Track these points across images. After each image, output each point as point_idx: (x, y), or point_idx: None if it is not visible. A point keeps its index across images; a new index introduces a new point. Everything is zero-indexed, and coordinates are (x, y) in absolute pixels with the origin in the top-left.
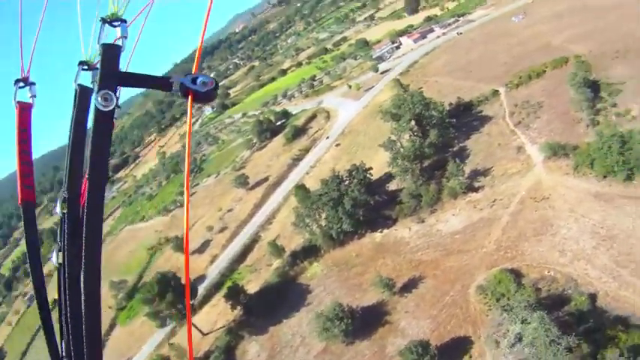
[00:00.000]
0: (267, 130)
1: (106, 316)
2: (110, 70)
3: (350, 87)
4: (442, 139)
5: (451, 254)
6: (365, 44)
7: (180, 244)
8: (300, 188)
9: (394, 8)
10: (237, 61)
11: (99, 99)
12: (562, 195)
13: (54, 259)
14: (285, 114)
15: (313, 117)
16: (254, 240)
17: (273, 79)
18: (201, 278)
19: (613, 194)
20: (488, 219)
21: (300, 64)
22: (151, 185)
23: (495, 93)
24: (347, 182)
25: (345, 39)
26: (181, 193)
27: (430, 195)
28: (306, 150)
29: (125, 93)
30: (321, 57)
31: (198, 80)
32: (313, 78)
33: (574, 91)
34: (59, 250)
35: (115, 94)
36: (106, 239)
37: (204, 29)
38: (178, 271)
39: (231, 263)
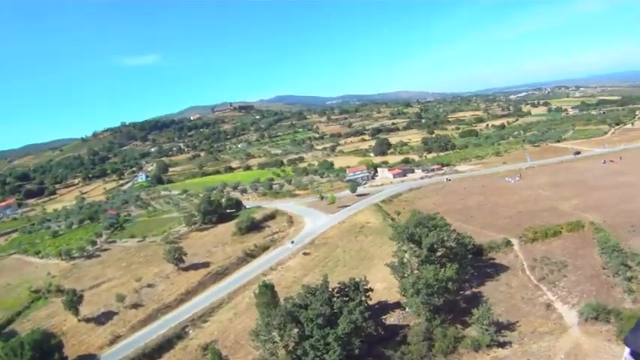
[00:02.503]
0: (216, 212)
1: None
2: None
3: (322, 198)
4: (458, 277)
5: None
6: (331, 166)
7: (74, 303)
8: (268, 288)
9: (357, 147)
10: (183, 146)
11: None
12: None
13: None
14: (238, 204)
15: (272, 216)
16: (178, 335)
17: (217, 172)
18: (92, 358)
19: None
20: None
21: (249, 168)
22: (60, 223)
23: (508, 243)
24: (340, 299)
25: (301, 159)
26: (92, 243)
27: (447, 341)
28: (263, 248)
29: (63, 132)
30: (280, 167)
31: None
32: (271, 180)
33: (607, 255)
34: None
35: None
36: None
37: None
38: (63, 337)
39: (139, 355)
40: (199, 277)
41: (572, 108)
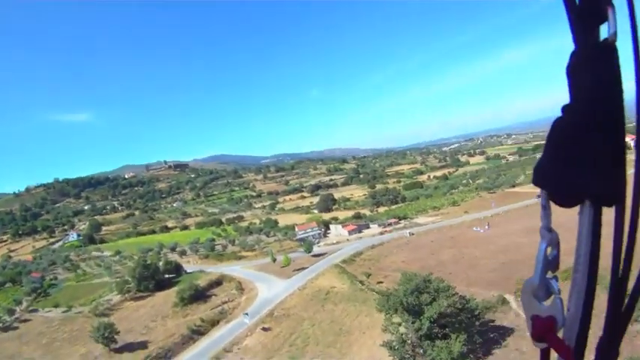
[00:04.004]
0: (153, 278)
1: None
2: None
3: (274, 260)
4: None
5: None
6: (276, 224)
7: None
8: None
9: (298, 204)
10: (117, 205)
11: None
12: None
13: None
14: (178, 268)
15: (218, 282)
16: None
17: (153, 231)
18: None
19: None
20: None
21: (186, 227)
22: None
23: (504, 301)
24: None
25: (241, 218)
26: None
27: None
28: (212, 323)
29: None
30: (220, 226)
31: None
32: (212, 241)
33: None
34: None
35: None
36: None
37: None
38: None
39: None
40: None
41: (509, 154)
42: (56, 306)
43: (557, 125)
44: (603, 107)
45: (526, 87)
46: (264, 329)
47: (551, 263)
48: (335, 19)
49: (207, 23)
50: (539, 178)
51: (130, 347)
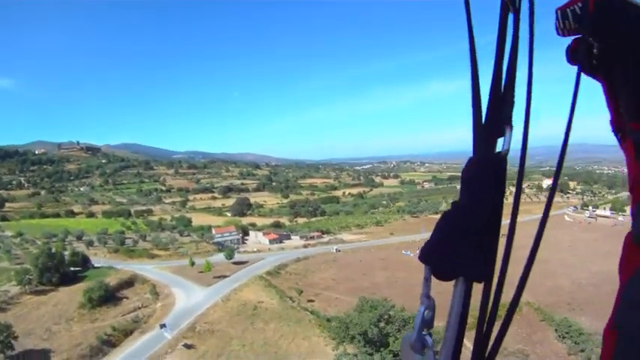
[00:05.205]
0: (58, 271)
1: None
2: None
3: (193, 264)
4: None
5: None
6: (189, 223)
7: None
8: None
9: (209, 204)
10: (24, 181)
11: None
12: None
13: None
14: (85, 261)
15: (130, 283)
16: None
17: (58, 215)
18: None
19: None
20: None
21: (92, 215)
22: None
23: None
24: None
25: (150, 211)
26: None
27: None
28: (125, 333)
29: None
30: (129, 218)
31: None
32: (122, 234)
33: (572, 340)
34: None
35: None
36: None
37: None
38: None
39: None
40: None
41: (424, 181)
42: None
43: (446, 217)
44: (487, 211)
45: (444, 119)
46: (187, 346)
47: (427, 322)
48: (269, 25)
49: (136, 9)
50: (425, 255)
51: (30, 357)
